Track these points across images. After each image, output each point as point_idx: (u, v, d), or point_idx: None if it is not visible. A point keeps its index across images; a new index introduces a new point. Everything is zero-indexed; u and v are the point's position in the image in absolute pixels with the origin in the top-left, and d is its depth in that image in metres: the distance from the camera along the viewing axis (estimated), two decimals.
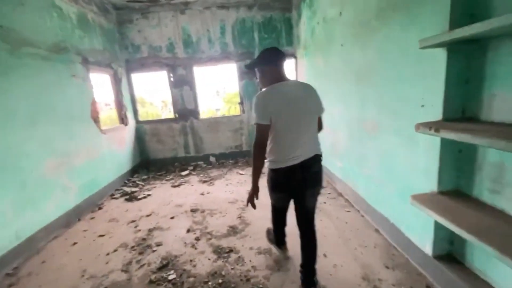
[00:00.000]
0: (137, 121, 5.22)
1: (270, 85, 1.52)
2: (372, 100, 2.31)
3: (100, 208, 3.47)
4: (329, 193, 3.30)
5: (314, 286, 1.69)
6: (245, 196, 3.44)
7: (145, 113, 8.37)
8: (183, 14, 4.81)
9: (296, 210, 1.71)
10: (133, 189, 4.03)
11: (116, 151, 4.33)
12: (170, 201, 3.52)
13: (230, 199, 3.42)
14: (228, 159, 5.33)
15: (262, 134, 1.47)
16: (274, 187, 1.63)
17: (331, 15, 3.03)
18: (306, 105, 1.51)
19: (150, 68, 5.01)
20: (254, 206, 1.65)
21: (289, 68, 5.22)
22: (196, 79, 5.16)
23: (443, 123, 1.42)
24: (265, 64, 1.57)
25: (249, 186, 3.53)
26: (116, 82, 4.63)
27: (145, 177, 4.63)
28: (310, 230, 1.72)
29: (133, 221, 3.01)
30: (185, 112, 5.20)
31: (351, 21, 2.57)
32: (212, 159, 5.32)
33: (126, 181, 4.46)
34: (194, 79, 5.11)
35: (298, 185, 1.57)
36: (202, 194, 3.68)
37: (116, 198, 3.79)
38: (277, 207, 1.85)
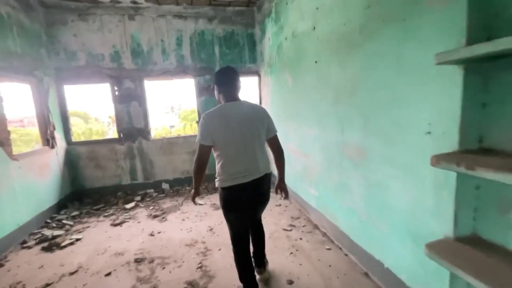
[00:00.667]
0: (69, 142, 4.24)
1: (220, 104, 1.62)
2: (356, 123, 2.03)
3: (0, 266, 2.49)
4: (304, 226, 2.91)
5: (264, 266, 2.05)
6: (207, 234, 2.85)
7: (88, 131, 7.16)
8: (132, 20, 4.19)
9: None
10: (56, 232, 3.07)
11: (35, 182, 3.34)
12: (107, 248, 2.72)
13: (188, 240, 2.78)
14: (184, 185, 4.63)
15: (202, 154, 1.57)
16: (227, 205, 1.64)
17: (303, 29, 2.80)
18: (252, 125, 1.58)
19: (88, 79, 4.18)
20: (195, 203, 1.81)
21: (251, 86, 4.92)
22: (147, 94, 4.48)
23: (468, 156, 1.14)
24: (218, 84, 1.65)
25: (210, 219, 3.11)
26: (40, 94, 3.70)
27: (75, 213, 3.66)
28: (258, 226, 2.02)
29: (48, 285, 2.15)
30: (133, 131, 4.42)
31: (327, 36, 2.34)
32: (165, 186, 4.57)
33: (49, 221, 3.44)
34: (144, 93, 4.42)
35: (249, 201, 1.64)
36: (152, 234, 2.96)
37: (29, 248, 2.81)
38: (237, 233, 1.74)
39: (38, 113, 3.72)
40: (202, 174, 1.63)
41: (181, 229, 3.03)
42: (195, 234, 2.90)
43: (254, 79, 4.86)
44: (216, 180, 1.62)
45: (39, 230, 3.17)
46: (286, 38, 3.28)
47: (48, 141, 3.82)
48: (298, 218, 3.12)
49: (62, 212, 3.73)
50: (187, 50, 4.45)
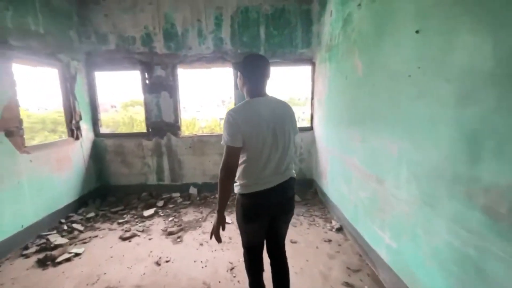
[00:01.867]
0: (97, 134, 3.91)
1: (246, 99, 1.39)
2: None
3: None
4: None
5: None
6: (224, 276, 2.06)
7: (128, 119, 7.10)
8: None
9: (268, 239, 1.55)
10: (60, 240, 2.65)
11: (49, 177, 2.99)
12: (101, 276, 2.14)
13: (199, 279, 2.04)
14: (213, 192, 3.96)
15: (232, 157, 1.29)
16: (247, 215, 1.39)
17: None
18: (283, 124, 1.36)
19: (119, 65, 3.75)
20: (219, 240, 1.40)
21: (304, 77, 3.95)
22: (180, 83, 3.89)
23: None
24: (245, 75, 1.38)
25: (233, 251, 2.50)
26: (66, 79, 3.36)
27: (91, 214, 3.26)
28: (282, 257, 1.59)
29: None
30: (161, 126, 3.89)
31: None
32: (192, 190, 3.96)
33: (63, 221, 3.10)
34: (176, 83, 3.83)
35: (273, 210, 1.42)
36: (158, 263, 2.30)
37: (27, 257, 2.42)
38: (252, 246, 1.51)
39: (63, 100, 3.40)
40: (231, 186, 1.35)
41: (195, 261, 2.31)
42: (210, 272, 2.14)
43: (305, 69, 3.88)
44: (235, 185, 1.41)
45: (48, 233, 2.80)
46: (359, 5, 2.24)
47: (73, 131, 3.49)
48: (358, 271, 2.11)
49: (80, 211, 3.38)
50: (227, 31, 3.69)
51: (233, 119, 1.26)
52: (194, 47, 3.72)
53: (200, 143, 3.94)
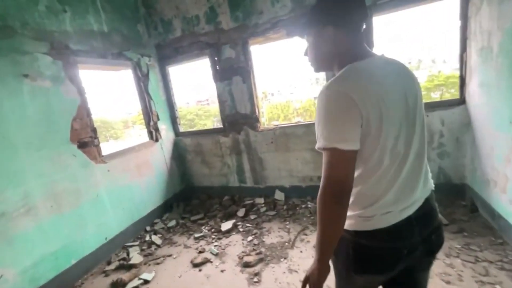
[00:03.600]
0: (177, 133, 3.68)
1: (346, 65, 0.76)
2: None
3: None
4: None
5: None
6: None
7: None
8: None
9: None
10: (136, 259, 2.42)
11: (129, 185, 2.87)
12: None
13: None
14: (304, 198, 3.06)
15: (344, 168, 0.71)
16: (363, 266, 0.81)
17: None
18: (416, 103, 0.79)
19: (187, 54, 3.29)
20: None
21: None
22: (254, 63, 3.08)
23: None
24: (333, 22, 0.78)
25: None
26: (139, 78, 3.15)
27: (173, 223, 3.02)
28: None
29: None
30: (237, 119, 3.24)
31: None
32: (278, 195, 3.19)
33: (148, 228, 2.98)
34: (250, 63, 3.04)
35: (410, 257, 0.80)
36: None
37: (106, 275, 2.30)
38: None
39: (140, 102, 3.23)
40: (343, 218, 0.74)
41: None
42: None
43: (452, 17, 2.27)
44: None
45: (131, 244, 2.68)
46: None
47: (152, 133, 3.32)
48: None
49: (165, 216, 3.21)
50: None
51: (344, 97, 0.68)
52: (266, 10, 2.78)
53: (284, 136, 3.06)
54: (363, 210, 0.79)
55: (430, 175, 0.89)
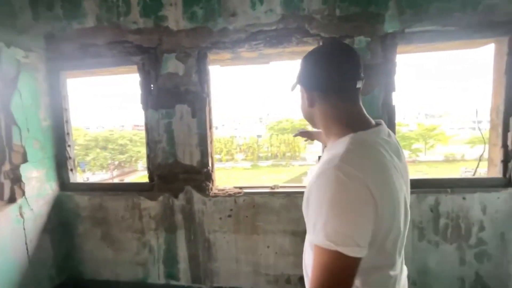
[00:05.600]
0: (64, 186, 2.13)
1: (346, 134, 0.66)
2: None
3: None
4: None
5: None
6: None
7: None
8: None
9: None
10: None
11: None
12: None
13: None
14: None
15: (345, 280, 0.55)
16: None
17: None
18: (408, 189, 0.70)
19: (105, 57, 1.98)
20: None
21: (493, 74, 1.76)
22: (213, 88, 1.98)
23: None
24: (331, 88, 0.69)
25: None
26: None
27: None
28: None
29: None
30: (176, 172, 1.96)
31: None
32: None
33: None
34: (207, 87, 1.92)
35: None
36: None
37: None
38: None
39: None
40: None
41: None
42: None
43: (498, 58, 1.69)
44: None
45: None
46: None
47: (1, 186, 1.74)
48: None
49: None
50: None
51: (359, 186, 0.55)
52: (241, 12, 1.79)
53: (250, 208, 1.90)
54: None
55: None
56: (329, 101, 0.69)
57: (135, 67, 1.97)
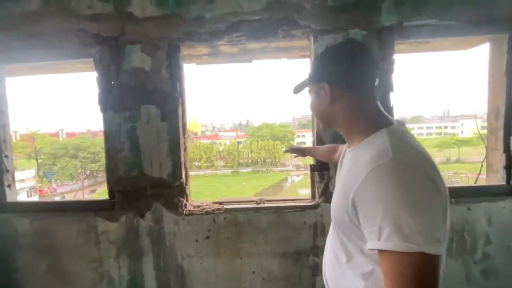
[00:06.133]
0: (0, 206, 1.72)
1: (376, 130, 0.64)
2: None
3: None
4: None
5: None
6: None
7: None
8: None
9: None
10: None
11: None
12: None
13: None
14: None
15: (433, 282, 0.48)
16: None
17: None
18: None
19: (54, 48, 1.63)
20: None
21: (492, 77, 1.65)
22: (185, 84, 1.70)
23: None
24: (357, 84, 0.68)
25: None
26: None
27: None
28: None
29: None
30: (141, 186, 1.63)
31: None
32: None
33: None
34: (180, 84, 1.63)
35: None
36: None
37: None
38: None
39: None
40: None
41: None
42: None
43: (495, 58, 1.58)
44: None
45: None
46: None
47: None
48: None
49: None
50: None
51: (425, 177, 0.53)
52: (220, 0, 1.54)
53: (232, 227, 1.62)
54: None
55: None
56: (354, 97, 0.67)
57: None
